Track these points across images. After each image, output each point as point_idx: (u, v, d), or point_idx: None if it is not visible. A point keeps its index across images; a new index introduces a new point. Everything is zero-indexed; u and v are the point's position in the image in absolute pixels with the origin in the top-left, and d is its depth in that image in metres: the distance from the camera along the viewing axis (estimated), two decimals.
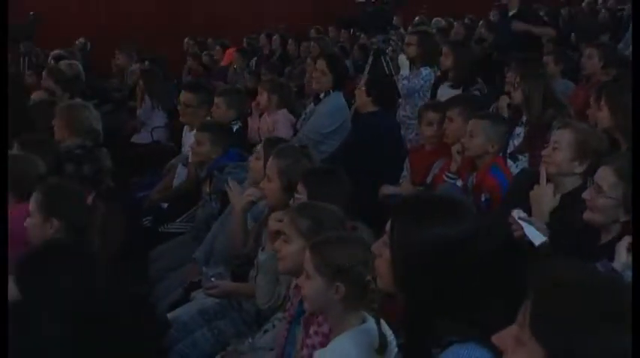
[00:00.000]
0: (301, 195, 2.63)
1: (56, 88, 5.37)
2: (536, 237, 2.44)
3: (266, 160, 3.08)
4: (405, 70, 5.44)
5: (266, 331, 2.61)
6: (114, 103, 6.82)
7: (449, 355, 1.53)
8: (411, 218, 1.65)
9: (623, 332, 1.07)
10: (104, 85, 7.75)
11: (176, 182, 4.72)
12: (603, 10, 9.91)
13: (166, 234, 4.17)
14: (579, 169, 2.82)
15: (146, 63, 7.86)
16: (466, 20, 10.00)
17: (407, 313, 1.66)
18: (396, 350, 1.86)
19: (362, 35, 9.44)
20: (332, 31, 10.32)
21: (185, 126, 5.00)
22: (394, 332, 1.90)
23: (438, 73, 5.41)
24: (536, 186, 2.77)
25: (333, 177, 2.71)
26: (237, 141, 4.36)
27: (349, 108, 5.10)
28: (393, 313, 1.86)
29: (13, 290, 2.00)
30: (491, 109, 4.53)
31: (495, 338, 1.19)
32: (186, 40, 10.69)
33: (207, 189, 3.98)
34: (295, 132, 5.01)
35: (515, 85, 4.11)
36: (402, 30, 9.09)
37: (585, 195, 2.47)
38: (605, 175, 2.42)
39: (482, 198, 3.36)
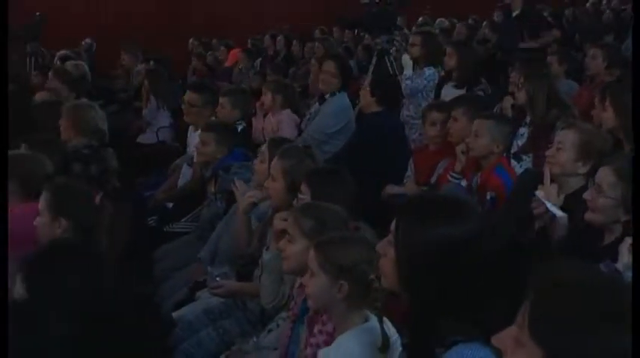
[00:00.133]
0: (305, 196, 2.64)
1: (62, 88, 5.39)
2: (558, 212, 2.49)
3: (270, 160, 3.09)
4: (408, 70, 5.45)
5: (270, 330, 2.62)
6: (119, 103, 6.84)
7: (453, 355, 1.53)
8: (416, 218, 1.66)
9: (623, 332, 1.07)
10: (110, 86, 7.78)
11: (181, 182, 4.73)
12: (607, 11, 9.89)
13: (171, 233, 4.18)
14: (583, 170, 2.83)
15: (151, 63, 7.88)
16: (470, 21, 10.01)
17: (411, 312, 1.67)
18: (400, 349, 1.87)
19: (366, 36, 9.45)
20: (336, 31, 10.33)
21: (190, 127, 5.02)
22: (398, 331, 1.91)
23: (442, 73, 5.42)
24: (540, 187, 2.78)
25: (337, 177, 2.71)
26: (241, 141, 4.37)
27: (353, 108, 5.12)
28: (397, 312, 1.87)
29: (20, 289, 2.01)
30: (495, 110, 4.53)
31: (494, 340, 1.19)
32: (191, 40, 10.71)
33: (212, 189, 4.00)
34: (300, 132, 5.03)
35: (519, 86, 4.11)
36: (405, 30, 9.10)
37: (586, 195, 2.48)
38: (604, 175, 2.43)
39: (488, 197, 3.37)
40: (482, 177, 3.49)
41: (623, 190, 2.35)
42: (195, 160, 4.49)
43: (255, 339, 2.66)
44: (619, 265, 2.20)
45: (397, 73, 6.04)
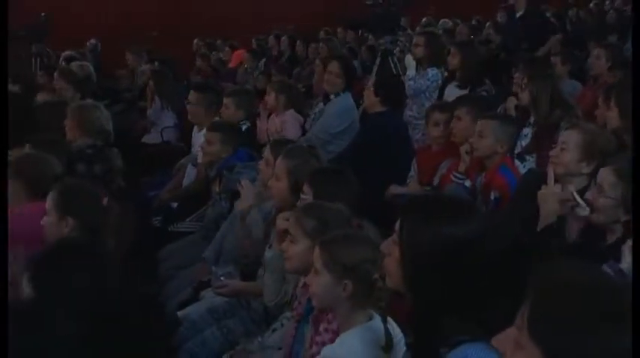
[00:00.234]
0: (307, 196, 2.64)
1: (68, 88, 5.41)
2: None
3: (274, 161, 3.09)
4: (411, 71, 5.46)
5: (274, 330, 2.62)
6: (124, 104, 6.86)
7: (457, 354, 1.54)
8: (421, 217, 1.67)
9: (622, 332, 1.07)
10: (115, 86, 7.80)
11: (186, 182, 4.75)
12: (611, 11, 9.88)
13: (176, 233, 4.20)
14: (587, 170, 2.83)
15: (156, 64, 7.90)
16: (473, 21, 10.01)
17: (415, 312, 1.67)
18: (404, 349, 1.88)
19: (370, 36, 9.46)
20: (340, 32, 10.34)
21: (195, 127, 5.03)
22: (402, 331, 1.92)
23: (446, 74, 5.43)
24: (543, 187, 2.78)
25: (340, 177, 2.71)
26: (246, 141, 4.39)
27: (357, 108, 5.13)
28: (401, 312, 1.87)
29: (26, 288, 2.02)
30: (499, 110, 4.54)
31: (494, 341, 1.21)
32: (195, 41, 10.72)
33: (217, 189, 4.01)
34: (304, 132, 5.04)
35: (523, 86, 4.12)
36: (409, 31, 9.11)
37: (588, 195, 2.48)
38: (605, 175, 2.44)
39: (492, 197, 3.38)
40: (487, 176, 3.50)
41: (624, 190, 2.36)
42: (199, 160, 4.51)
43: (259, 339, 2.67)
44: (623, 265, 2.21)
45: (401, 73, 6.05)
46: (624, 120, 3.36)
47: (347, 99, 4.98)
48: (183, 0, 13.26)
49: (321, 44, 8.18)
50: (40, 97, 5.14)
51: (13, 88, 5.19)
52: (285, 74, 7.22)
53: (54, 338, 1.53)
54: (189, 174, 4.76)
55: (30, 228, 2.55)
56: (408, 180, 4.26)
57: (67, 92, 5.37)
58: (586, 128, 2.95)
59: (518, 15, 6.52)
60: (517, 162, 3.84)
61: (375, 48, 8.02)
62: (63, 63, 7.32)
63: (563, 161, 2.85)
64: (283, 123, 4.99)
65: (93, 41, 10.37)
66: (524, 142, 3.98)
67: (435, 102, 4.85)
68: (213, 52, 10.00)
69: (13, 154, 3.16)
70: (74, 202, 2.52)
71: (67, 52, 8.04)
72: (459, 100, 4.07)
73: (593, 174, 2.77)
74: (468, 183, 3.62)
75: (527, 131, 4.03)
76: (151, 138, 6.17)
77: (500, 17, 9.40)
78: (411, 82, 5.33)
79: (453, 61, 5.26)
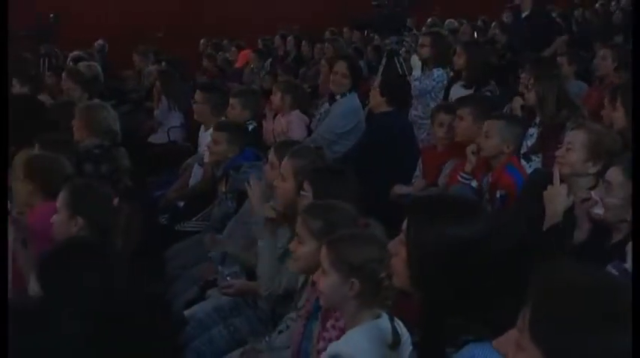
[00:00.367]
0: (307, 193, 2.65)
1: (75, 88, 5.44)
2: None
3: (279, 163, 3.09)
4: (417, 71, 5.46)
5: (280, 332, 2.63)
6: (131, 104, 6.89)
7: (464, 354, 1.55)
8: (428, 217, 1.67)
9: (623, 332, 1.07)
10: (122, 86, 7.83)
11: (192, 181, 4.76)
12: (617, 11, 9.86)
13: (182, 232, 4.21)
14: (593, 170, 2.83)
15: (163, 64, 7.93)
16: (479, 22, 10.00)
17: (422, 311, 1.68)
18: (410, 348, 1.88)
19: (375, 36, 9.47)
20: (346, 32, 10.35)
21: (201, 126, 5.05)
22: (409, 330, 1.93)
23: (451, 74, 5.43)
24: (550, 187, 2.78)
25: (341, 176, 2.71)
26: (252, 141, 4.40)
27: (363, 108, 5.14)
28: (408, 311, 1.88)
29: (35, 286, 2.04)
30: (505, 110, 4.54)
31: (496, 344, 1.21)
32: (202, 41, 10.74)
33: (223, 189, 4.02)
34: (309, 132, 5.05)
35: (529, 86, 4.12)
36: (415, 31, 9.11)
37: (596, 194, 2.49)
38: (614, 175, 2.45)
39: (498, 195, 3.38)
40: (494, 176, 3.51)
41: (631, 190, 2.36)
42: (206, 160, 4.52)
43: (267, 339, 2.68)
44: (627, 265, 2.21)
45: (407, 73, 6.05)
46: (630, 120, 3.36)
47: (353, 99, 4.99)
48: (190, 0, 13.29)
49: (326, 44, 8.19)
50: (41, 98, 5.16)
51: (22, 89, 5.21)
52: (291, 74, 7.23)
53: (60, 337, 1.54)
54: (196, 174, 4.78)
55: (40, 228, 2.57)
56: (413, 180, 4.26)
57: (75, 92, 5.39)
58: (592, 128, 2.95)
59: (523, 15, 6.50)
60: (523, 162, 3.85)
61: (380, 48, 8.03)
62: (71, 63, 7.36)
63: (569, 161, 2.85)
64: (289, 123, 5.00)
65: (100, 42, 10.40)
66: (530, 142, 3.99)
67: (440, 103, 4.86)
68: (220, 52, 10.01)
69: (23, 155, 3.18)
70: (84, 202, 2.53)
71: (75, 53, 8.08)
72: (462, 100, 4.08)
73: (599, 175, 2.77)
74: (474, 184, 3.62)
75: (533, 131, 4.03)
76: (158, 138, 6.20)
77: (506, 17, 9.40)
78: (417, 83, 5.34)
79: (459, 60, 5.26)
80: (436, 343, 1.62)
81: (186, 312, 3.10)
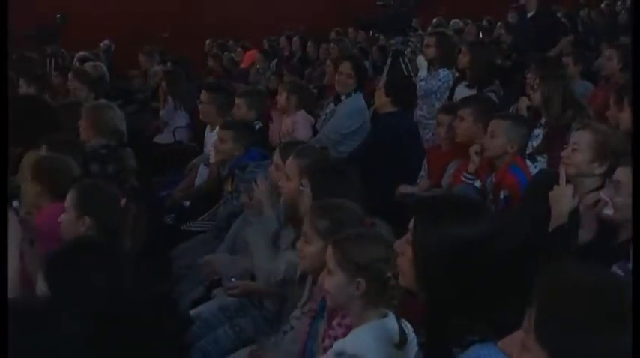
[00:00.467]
0: (305, 188, 2.66)
1: (82, 89, 5.46)
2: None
3: (284, 164, 3.10)
4: (423, 72, 5.47)
5: (285, 332, 2.64)
6: (137, 104, 6.91)
7: (470, 355, 1.55)
8: (434, 218, 1.68)
9: (628, 332, 1.08)
10: (128, 86, 7.85)
11: (198, 181, 4.78)
12: (622, 11, 9.83)
13: (188, 232, 4.23)
14: (599, 170, 2.82)
15: (168, 64, 7.95)
16: (484, 22, 9.99)
17: (427, 311, 1.69)
18: (416, 348, 1.89)
19: (381, 37, 9.47)
20: (351, 32, 10.35)
21: (207, 126, 5.06)
22: (415, 330, 1.93)
23: (457, 74, 5.43)
24: (555, 187, 2.78)
25: (340, 173, 2.71)
26: (259, 141, 4.41)
27: (368, 108, 5.15)
28: (414, 311, 1.89)
29: (42, 286, 2.05)
30: (510, 111, 4.54)
31: (501, 344, 1.21)
32: (207, 41, 10.76)
33: (229, 188, 4.03)
34: (315, 132, 5.06)
35: (535, 87, 4.12)
36: (420, 31, 9.11)
37: (603, 194, 2.49)
38: (622, 175, 2.44)
39: (501, 196, 3.38)
40: (497, 176, 3.51)
41: None
42: (211, 160, 4.53)
43: (273, 339, 2.69)
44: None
45: (412, 74, 6.06)
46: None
47: (358, 99, 5.00)
48: (195, 1, 13.32)
49: (332, 45, 8.20)
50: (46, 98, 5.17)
51: (28, 89, 5.24)
52: (296, 75, 7.24)
53: (66, 336, 1.55)
54: (202, 174, 4.79)
55: (48, 229, 2.58)
56: (418, 180, 4.27)
57: (82, 92, 5.41)
58: (598, 128, 2.94)
59: (529, 15, 6.49)
60: (528, 163, 3.85)
61: (386, 48, 8.03)
62: (77, 64, 7.38)
63: (575, 161, 2.85)
64: (294, 123, 5.01)
65: (106, 42, 10.43)
66: (535, 143, 3.99)
67: (442, 104, 4.87)
68: (225, 53, 10.03)
69: (31, 156, 3.19)
70: (92, 202, 2.54)
71: (81, 53, 8.11)
72: (463, 101, 4.10)
73: (605, 175, 2.77)
74: (478, 184, 3.63)
75: (539, 131, 4.03)
76: (164, 138, 6.22)
77: (511, 17, 9.39)
78: (422, 83, 5.34)
79: (463, 60, 5.26)
80: (442, 343, 1.62)
81: (191, 312, 3.11)
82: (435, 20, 9.94)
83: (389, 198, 4.04)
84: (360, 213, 2.29)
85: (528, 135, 3.81)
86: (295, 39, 9.82)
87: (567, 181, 2.80)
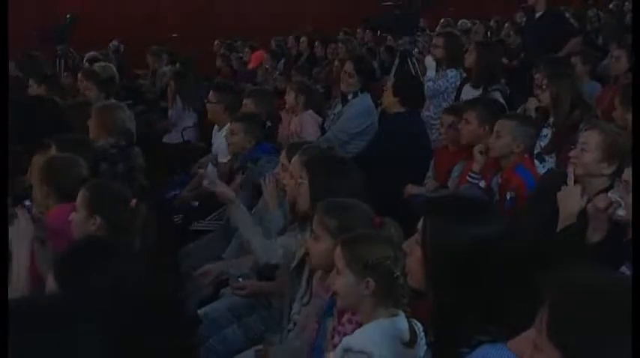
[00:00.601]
0: (303, 180, 2.67)
1: (92, 89, 5.48)
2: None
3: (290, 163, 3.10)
4: (431, 72, 5.47)
5: (289, 330, 2.65)
6: (146, 104, 6.93)
7: (478, 355, 1.56)
8: (444, 218, 1.69)
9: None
10: (137, 86, 7.87)
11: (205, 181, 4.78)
12: (631, 12, 9.79)
13: (197, 231, 4.24)
14: (607, 170, 2.82)
15: (177, 65, 7.98)
16: (492, 22, 9.97)
17: (436, 311, 1.69)
18: (425, 347, 1.90)
19: (388, 37, 9.47)
20: (359, 32, 10.36)
21: (215, 126, 5.08)
22: (423, 330, 1.94)
23: (464, 75, 5.43)
24: (564, 187, 2.78)
25: (339, 168, 2.71)
26: (269, 139, 4.42)
27: (376, 108, 5.16)
28: (422, 311, 1.89)
29: (52, 285, 2.06)
30: (518, 111, 4.54)
31: (511, 345, 1.21)
32: (216, 42, 10.79)
33: (239, 181, 4.03)
34: (322, 132, 5.07)
35: (544, 87, 4.11)
36: (428, 32, 9.11)
37: (613, 194, 2.48)
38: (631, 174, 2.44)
39: (508, 197, 3.38)
40: (504, 176, 3.51)
41: None
42: (220, 159, 4.55)
43: (278, 337, 2.70)
44: None
45: (420, 74, 6.05)
46: None
47: (366, 99, 5.01)
48: (204, 1, 13.35)
49: (339, 45, 8.21)
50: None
51: (38, 89, 5.26)
52: (304, 75, 7.25)
53: (74, 335, 1.55)
54: (209, 173, 4.80)
55: (56, 230, 2.59)
56: (425, 180, 4.27)
57: (91, 92, 5.44)
58: (606, 129, 2.93)
59: (537, 15, 6.47)
60: (536, 163, 3.84)
61: (393, 49, 8.04)
62: (86, 64, 7.42)
63: (583, 162, 2.84)
64: (302, 123, 5.03)
65: (115, 42, 10.47)
66: (543, 143, 3.98)
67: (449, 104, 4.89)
68: (233, 53, 10.05)
69: (40, 157, 3.20)
70: (103, 201, 2.55)
71: (91, 53, 8.14)
72: (468, 103, 4.10)
73: (614, 175, 2.77)
74: (482, 184, 3.63)
75: (547, 131, 4.02)
76: (172, 138, 6.24)
77: (519, 18, 9.37)
78: (430, 83, 5.34)
79: (469, 58, 5.25)
80: (450, 343, 1.63)
81: (199, 311, 3.12)
82: (442, 20, 9.93)
83: (396, 198, 4.04)
84: (370, 213, 2.29)
85: (535, 135, 3.81)
86: (303, 39, 9.83)
87: (575, 181, 2.79)
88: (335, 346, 2.02)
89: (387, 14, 9.66)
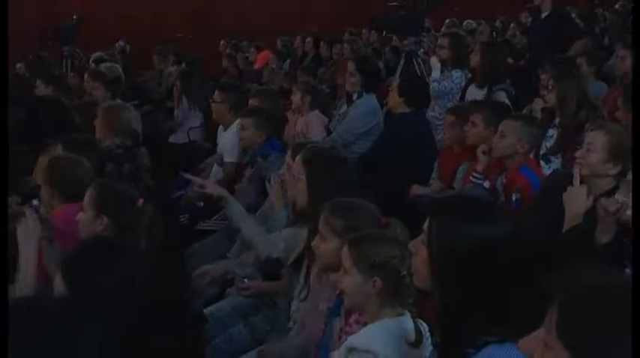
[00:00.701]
0: (301, 176, 2.67)
1: (98, 89, 5.50)
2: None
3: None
4: (436, 72, 5.46)
5: (290, 329, 2.66)
6: (152, 104, 6.95)
7: (484, 355, 1.56)
8: (450, 218, 1.69)
9: None
10: (143, 86, 7.90)
11: (212, 180, 4.79)
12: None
13: (202, 231, 4.25)
14: (613, 171, 2.82)
15: (183, 65, 8.00)
16: (497, 23, 9.96)
17: (442, 312, 1.70)
18: (431, 348, 1.90)
19: (394, 37, 9.46)
20: (364, 33, 10.36)
21: (220, 126, 5.09)
22: (429, 330, 1.94)
23: (469, 75, 5.43)
24: (569, 188, 2.78)
25: (336, 164, 2.72)
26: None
27: (381, 109, 5.16)
28: (428, 311, 1.90)
29: (59, 284, 2.07)
30: (524, 111, 4.54)
31: (521, 344, 1.21)
32: (222, 42, 10.81)
33: (247, 176, 4.05)
34: (328, 132, 5.08)
35: (549, 87, 4.10)
36: (433, 32, 9.09)
37: (620, 195, 2.48)
38: None
39: (513, 198, 3.38)
40: (508, 177, 3.51)
41: None
42: (225, 159, 4.57)
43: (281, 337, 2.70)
44: None
45: (425, 74, 6.05)
46: None
47: (371, 100, 5.02)
48: (209, 1, 13.37)
49: (345, 45, 8.21)
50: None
51: (45, 89, 5.29)
52: (310, 75, 7.27)
53: (81, 335, 1.56)
54: (215, 173, 4.82)
55: (62, 231, 2.60)
56: (430, 182, 4.27)
57: (98, 92, 5.46)
58: (612, 129, 2.93)
59: (543, 15, 6.45)
60: (542, 163, 3.84)
61: (399, 49, 8.04)
62: (92, 64, 7.44)
63: (589, 162, 2.84)
64: (308, 123, 5.04)
65: (121, 43, 10.50)
66: (549, 143, 3.97)
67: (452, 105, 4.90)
68: (239, 53, 10.07)
69: (45, 158, 3.21)
70: (111, 201, 2.56)
71: (97, 54, 8.17)
72: (475, 106, 4.10)
73: (619, 175, 2.76)
74: (486, 184, 3.63)
75: (552, 132, 4.02)
76: (178, 138, 6.26)
77: (524, 18, 9.35)
78: (435, 84, 5.34)
79: (474, 59, 5.25)
80: (456, 343, 1.63)
81: (205, 310, 3.13)
82: (448, 21, 9.92)
83: (402, 199, 4.05)
84: (376, 213, 2.30)
85: (540, 135, 3.80)
86: (308, 39, 9.84)
87: (581, 182, 2.79)
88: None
89: (392, 15, 9.64)
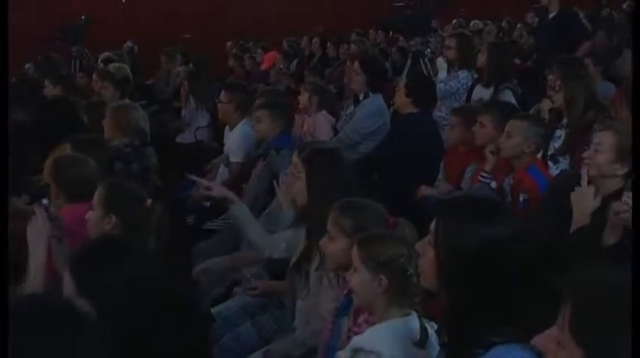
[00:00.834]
0: (301, 174, 2.68)
1: (107, 89, 5.53)
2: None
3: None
4: (442, 73, 5.46)
5: (295, 328, 2.66)
6: (160, 104, 6.98)
7: (492, 356, 1.56)
8: (457, 219, 1.69)
9: None
10: (151, 86, 7.93)
11: (218, 180, 4.81)
12: None
13: (209, 231, 4.26)
14: (621, 171, 2.80)
15: (190, 65, 8.01)
16: (504, 23, 9.95)
17: (449, 312, 1.70)
18: (438, 348, 1.90)
19: (400, 38, 9.47)
20: (371, 33, 10.37)
21: (227, 127, 5.10)
22: (436, 330, 1.94)
23: (476, 76, 5.42)
24: (577, 188, 2.78)
25: (334, 162, 2.72)
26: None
27: (388, 109, 5.16)
28: (435, 312, 1.90)
29: (68, 283, 2.08)
30: (531, 111, 4.53)
31: (535, 341, 1.22)
32: (229, 43, 10.83)
33: (258, 169, 4.05)
34: (336, 132, 5.09)
35: (557, 88, 4.10)
36: (440, 32, 9.09)
37: (626, 196, 2.48)
38: None
39: (521, 199, 3.38)
40: (515, 177, 3.50)
41: None
42: (231, 159, 4.58)
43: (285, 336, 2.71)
44: None
45: (432, 74, 6.05)
46: None
47: (378, 100, 5.02)
48: (216, 2, 13.39)
49: (352, 45, 8.21)
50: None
51: (54, 89, 5.31)
52: (317, 75, 7.28)
53: (87, 334, 1.57)
54: (222, 173, 4.83)
55: (69, 231, 2.62)
56: (436, 183, 4.27)
57: (108, 92, 5.49)
58: (620, 129, 2.92)
59: (551, 16, 6.43)
60: (550, 164, 3.83)
61: (405, 49, 8.04)
62: (101, 64, 7.47)
63: (597, 162, 2.83)
64: (315, 123, 5.05)
65: (129, 43, 10.53)
66: (556, 144, 3.97)
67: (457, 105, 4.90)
68: (246, 54, 10.09)
69: (52, 158, 3.23)
70: (119, 200, 2.57)
71: (105, 54, 8.20)
72: (483, 107, 4.09)
73: (627, 176, 2.76)
74: (494, 184, 3.63)
75: (560, 132, 4.01)
76: (186, 138, 6.27)
77: (531, 18, 9.33)
78: (442, 84, 5.34)
79: (481, 59, 5.25)
80: (463, 344, 1.63)
81: (213, 310, 3.14)
82: (454, 21, 9.91)
83: (408, 199, 4.05)
84: (384, 213, 2.30)
85: (548, 135, 3.80)
86: (315, 40, 9.86)
87: (589, 182, 2.79)
88: None
89: (399, 15, 9.65)
